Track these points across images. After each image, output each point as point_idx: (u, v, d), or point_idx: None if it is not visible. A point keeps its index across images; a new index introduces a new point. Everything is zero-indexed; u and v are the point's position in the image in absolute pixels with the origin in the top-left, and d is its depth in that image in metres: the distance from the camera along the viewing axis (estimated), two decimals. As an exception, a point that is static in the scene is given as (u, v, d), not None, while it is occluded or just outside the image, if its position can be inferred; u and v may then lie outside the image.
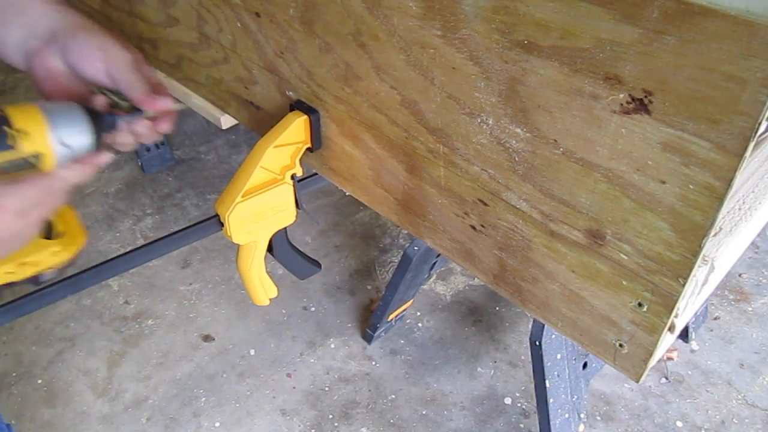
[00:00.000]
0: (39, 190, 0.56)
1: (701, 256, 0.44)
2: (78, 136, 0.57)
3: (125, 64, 0.67)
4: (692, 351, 1.66)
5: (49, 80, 0.68)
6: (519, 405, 1.54)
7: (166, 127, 0.69)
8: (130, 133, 0.67)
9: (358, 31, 0.58)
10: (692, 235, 0.43)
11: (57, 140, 0.55)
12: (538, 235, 0.54)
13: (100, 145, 0.60)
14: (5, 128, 0.52)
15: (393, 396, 1.56)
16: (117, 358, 1.64)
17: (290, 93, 0.72)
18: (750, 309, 1.78)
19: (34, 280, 0.65)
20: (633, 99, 0.41)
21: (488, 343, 1.69)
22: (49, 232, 0.66)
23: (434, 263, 1.54)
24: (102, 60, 0.67)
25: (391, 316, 1.63)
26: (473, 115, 0.53)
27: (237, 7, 0.71)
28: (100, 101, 0.66)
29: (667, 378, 1.59)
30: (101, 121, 0.59)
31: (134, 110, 0.66)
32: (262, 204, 0.68)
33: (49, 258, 0.64)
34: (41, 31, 0.68)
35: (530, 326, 1.35)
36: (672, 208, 0.43)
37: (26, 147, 0.53)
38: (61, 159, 0.56)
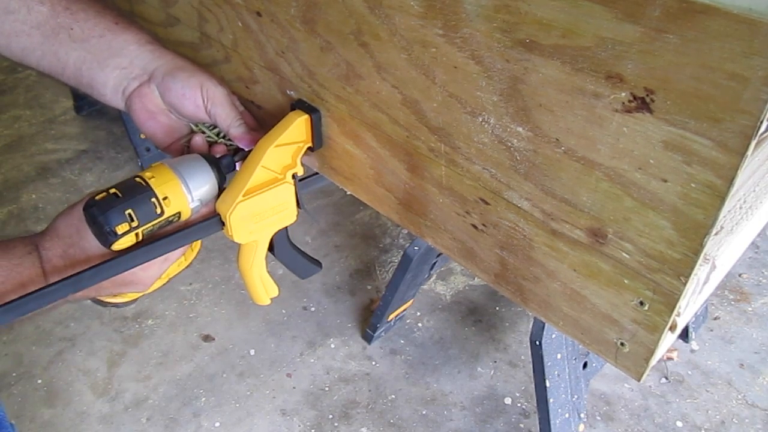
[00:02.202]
0: (176, 227, 0.65)
1: (703, 254, 0.44)
2: (207, 189, 0.66)
3: (222, 100, 0.71)
4: (692, 351, 1.66)
5: (149, 119, 0.73)
6: (519, 405, 1.54)
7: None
8: None
9: (359, 31, 0.58)
10: (694, 234, 0.43)
11: (191, 199, 0.65)
12: (540, 234, 0.54)
13: (224, 185, 0.69)
14: (153, 200, 0.61)
15: (393, 396, 1.56)
16: (117, 358, 1.64)
17: (291, 92, 0.72)
18: (750, 309, 1.78)
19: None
20: (635, 97, 0.41)
21: (488, 343, 1.69)
22: None
23: (434, 263, 1.54)
24: (201, 98, 0.71)
25: (391, 316, 1.63)
26: (475, 114, 0.53)
27: (238, 7, 0.71)
28: (199, 141, 0.73)
29: (667, 378, 1.59)
30: (222, 166, 0.69)
31: (231, 144, 0.75)
32: (263, 203, 0.68)
33: (175, 268, 0.75)
34: (137, 72, 0.72)
35: (530, 326, 1.35)
36: (674, 207, 0.43)
37: (170, 210, 0.63)
38: (194, 210, 0.66)
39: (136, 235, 0.62)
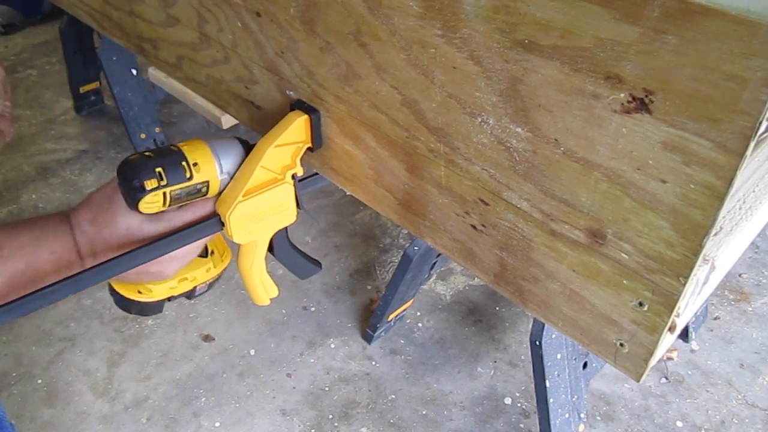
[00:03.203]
0: (204, 210, 0.67)
1: (702, 255, 0.44)
2: (236, 165, 0.68)
3: None
4: (692, 351, 1.66)
5: None
6: (519, 405, 1.54)
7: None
8: None
9: (358, 31, 0.58)
10: (693, 235, 0.43)
11: (221, 170, 0.66)
12: (539, 235, 0.54)
13: None
14: (183, 163, 0.63)
15: (393, 396, 1.56)
16: (117, 358, 1.64)
17: (291, 93, 0.72)
18: (750, 309, 1.78)
19: (190, 294, 0.77)
20: (634, 98, 0.41)
21: (488, 343, 1.69)
22: (205, 252, 0.77)
23: (434, 263, 1.54)
24: None
25: (391, 316, 1.63)
26: (474, 115, 0.53)
27: (237, 7, 0.71)
28: None
29: (667, 378, 1.59)
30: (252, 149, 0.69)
31: None
32: (262, 204, 0.68)
33: (203, 274, 0.76)
34: None
35: (530, 326, 1.35)
36: (673, 208, 0.43)
37: (199, 177, 0.64)
38: (223, 184, 0.67)
39: (164, 196, 0.62)
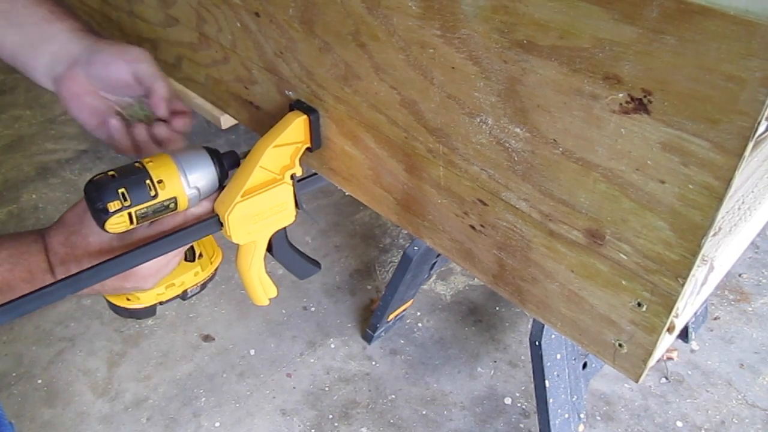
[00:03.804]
0: (175, 225, 0.66)
1: (700, 255, 0.44)
2: (205, 178, 0.66)
3: (147, 58, 0.74)
4: (692, 351, 1.66)
5: (74, 100, 0.76)
6: (519, 405, 1.54)
7: (181, 125, 0.76)
8: (154, 141, 0.76)
9: (357, 31, 0.58)
10: (691, 235, 0.43)
11: (188, 185, 0.65)
12: (538, 235, 0.54)
13: (225, 181, 0.69)
14: (147, 182, 0.62)
15: (393, 396, 1.56)
16: (117, 358, 1.64)
17: (290, 93, 0.72)
18: (750, 309, 1.77)
19: (183, 295, 0.77)
20: (632, 99, 0.41)
21: (488, 343, 1.69)
22: (193, 256, 0.77)
23: (434, 263, 1.54)
24: (125, 60, 0.74)
25: (391, 316, 1.63)
26: (472, 115, 0.53)
27: (237, 7, 0.71)
28: (115, 124, 0.75)
29: (667, 378, 1.59)
30: (224, 160, 0.68)
31: (157, 120, 0.75)
32: (261, 204, 0.68)
33: (191, 278, 0.76)
34: (65, 57, 0.76)
35: (530, 326, 1.35)
36: (671, 208, 0.43)
37: (165, 194, 0.63)
38: (192, 199, 0.66)
39: (130, 216, 0.62)
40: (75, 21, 0.77)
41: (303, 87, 0.69)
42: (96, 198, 0.61)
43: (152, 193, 0.62)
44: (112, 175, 0.62)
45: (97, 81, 0.75)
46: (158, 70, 0.74)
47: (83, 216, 0.66)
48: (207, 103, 0.93)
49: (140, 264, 0.64)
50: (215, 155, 0.68)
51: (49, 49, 0.75)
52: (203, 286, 0.79)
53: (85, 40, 0.75)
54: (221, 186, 0.69)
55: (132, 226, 0.63)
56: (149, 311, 0.75)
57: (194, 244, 0.78)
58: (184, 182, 0.65)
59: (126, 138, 0.76)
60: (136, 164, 0.64)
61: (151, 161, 0.64)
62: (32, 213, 2.07)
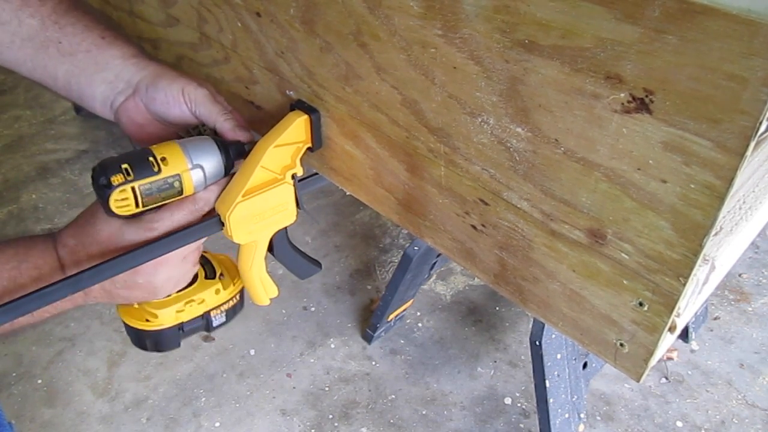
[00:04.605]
0: (185, 212, 0.66)
1: (702, 255, 0.44)
2: (208, 158, 0.66)
3: (205, 99, 0.73)
4: (692, 351, 1.66)
5: (139, 131, 0.77)
6: (519, 405, 1.54)
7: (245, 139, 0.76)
8: None
9: (358, 31, 0.58)
10: (693, 235, 0.43)
11: (191, 162, 0.65)
12: (539, 235, 0.54)
13: (231, 169, 0.69)
14: (150, 158, 0.63)
15: (393, 396, 1.56)
16: (117, 358, 1.64)
17: (291, 93, 0.72)
18: (750, 309, 1.78)
19: (208, 326, 0.77)
20: (634, 98, 0.41)
21: (488, 343, 1.69)
22: (213, 273, 0.76)
23: (434, 263, 1.54)
24: (185, 102, 0.74)
25: (391, 316, 1.63)
26: (474, 115, 0.53)
27: (238, 7, 0.71)
28: None
29: (667, 378, 1.59)
30: (230, 148, 0.68)
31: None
32: (262, 204, 0.68)
33: (213, 296, 0.75)
34: (122, 86, 0.74)
35: (530, 326, 1.35)
36: (673, 208, 0.43)
37: (168, 170, 0.63)
38: (197, 179, 0.65)
39: (134, 192, 0.62)
40: (127, 45, 0.75)
41: (304, 87, 0.69)
42: (100, 173, 0.62)
43: (155, 168, 0.63)
44: (116, 157, 0.63)
45: (159, 114, 0.74)
46: (216, 107, 0.72)
47: (95, 211, 0.66)
48: (208, 103, 0.93)
49: (143, 263, 0.64)
50: (220, 142, 0.68)
51: (104, 78, 0.74)
52: (229, 314, 0.77)
53: (140, 68, 0.74)
54: (228, 174, 0.69)
55: (138, 209, 0.63)
56: (172, 338, 0.73)
57: (214, 263, 0.77)
58: (187, 160, 0.65)
59: None
60: (142, 148, 0.65)
61: (155, 145, 0.65)
62: (32, 213, 2.07)
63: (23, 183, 2.18)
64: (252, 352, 1.66)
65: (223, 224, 0.67)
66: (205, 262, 0.76)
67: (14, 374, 1.59)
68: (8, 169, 2.24)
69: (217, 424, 1.49)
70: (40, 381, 1.58)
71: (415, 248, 1.42)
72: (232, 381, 1.59)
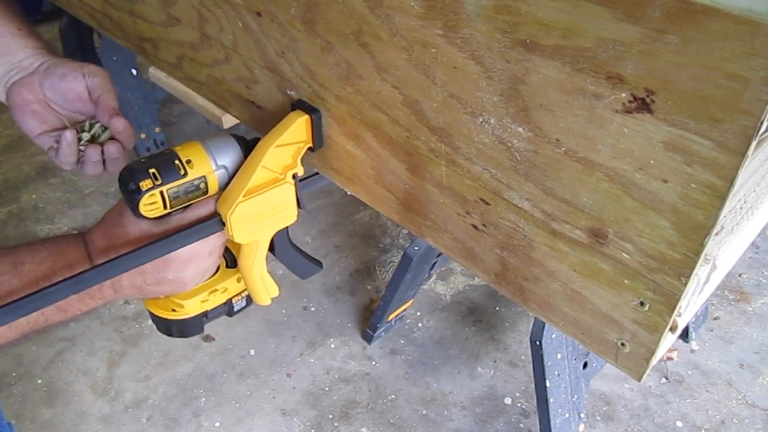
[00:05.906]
0: (210, 210, 0.68)
1: (703, 254, 0.44)
2: (231, 157, 0.68)
3: (103, 75, 0.78)
4: (692, 351, 1.66)
5: (22, 106, 0.81)
6: (519, 405, 1.54)
7: (125, 139, 0.81)
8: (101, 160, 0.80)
9: (359, 31, 0.58)
10: (694, 234, 0.43)
11: (215, 163, 0.67)
12: (540, 234, 0.54)
13: None
14: (176, 162, 0.65)
15: (393, 396, 1.56)
16: (117, 358, 1.64)
17: (291, 92, 0.72)
18: (750, 309, 1.78)
19: (229, 311, 0.78)
20: (635, 98, 0.41)
21: (488, 343, 1.69)
22: (234, 262, 0.77)
23: (434, 263, 1.54)
24: (82, 75, 0.80)
25: (391, 316, 1.63)
26: (475, 115, 0.53)
27: (238, 7, 0.71)
28: (69, 137, 0.78)
29: (667, 378, 1.59)
30: (250, 146, 0.69)
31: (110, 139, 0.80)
32: (263, 203, 0.68)
33: (235, 284, 0.77)
34: (24, 66, 0.80)
35: (530, 326, 1.35)
36: (674, 207, 0.43)
37: (194, 173, 0.65)
38: (221, 180, 0.68)
39: (162, 196, 0.64)
40: (39, 40, 0.82)
41: (305, 87, 0.69)
42: (129, 179, 0.63)
43: (182, 171, 0.65)
44: (143, 161, 0.65)
45: (51, 92, 0.79)
46: (112, 85, 0.78)
47: (122, 211, 0.68)
48: (208, 103, 0.93)
49: (150, 261, 0.65)
50: (241, 140, 0.70)
51: (9, 60, 0.79)
52: (248, 299, 0.79)
53: (45, 57, 0.80)
54: None
55: (167, 210, 0.65)
56: (196, 325, 0.75)
57: (234, 251, 0.78)
58: (212, 161, 0.67)
59: (74, 153, 0.79)
60: (166, 150, 0.67)
61: (179, 146, 0.67)
62: (32, 213, 2.07)
63: (23, 183, 2.18)
64: (252, 352, 1.66)
65: (223, 224, 0.68)
66: (225, 251, 0.77)
67: (14, 374, 1.59)
68: (8, 169, 2.24)
69: (217, 424, 1.49)
70: (40, 381, 1.58)
71: (416, 248, 1.42)
72: (232, 381, 1.59)
